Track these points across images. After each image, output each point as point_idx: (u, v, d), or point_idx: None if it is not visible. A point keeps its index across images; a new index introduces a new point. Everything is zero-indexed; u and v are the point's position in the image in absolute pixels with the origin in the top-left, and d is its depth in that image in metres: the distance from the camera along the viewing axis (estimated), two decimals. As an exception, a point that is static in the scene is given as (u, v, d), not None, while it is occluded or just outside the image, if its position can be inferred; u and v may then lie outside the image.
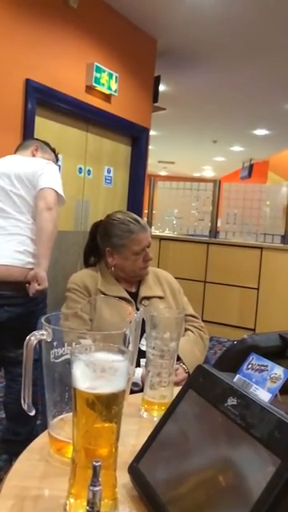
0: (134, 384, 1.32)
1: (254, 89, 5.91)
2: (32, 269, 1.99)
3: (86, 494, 0.55)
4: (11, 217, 2.02)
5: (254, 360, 0.84)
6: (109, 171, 4.50)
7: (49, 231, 1.99)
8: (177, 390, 0.84)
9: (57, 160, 2.43)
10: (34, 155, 2.26)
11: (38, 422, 1.81)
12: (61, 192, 2.08)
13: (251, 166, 10.53)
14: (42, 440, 0.84)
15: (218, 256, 4.91)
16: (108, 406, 0.62)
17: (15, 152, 2.32)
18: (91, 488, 0.52)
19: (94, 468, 0.52)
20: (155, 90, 4.82)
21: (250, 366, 0.84)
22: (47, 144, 2.37)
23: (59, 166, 2.46)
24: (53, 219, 2.00)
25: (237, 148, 10.19)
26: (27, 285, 1.98)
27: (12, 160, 2.17)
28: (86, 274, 1.69)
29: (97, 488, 0.52)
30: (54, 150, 2.39)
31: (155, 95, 4.83)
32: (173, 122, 7.73)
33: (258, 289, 4.70)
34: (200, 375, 0.75)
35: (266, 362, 0.82)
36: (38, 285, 1.96)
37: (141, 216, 1.81)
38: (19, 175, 2.05)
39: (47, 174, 2.06)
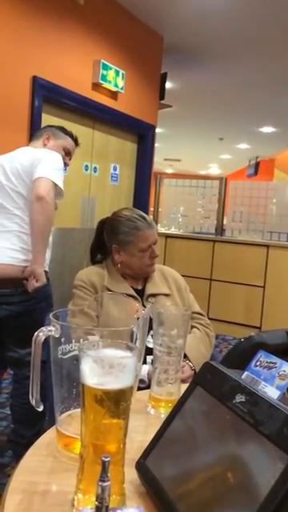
0: (141, 381, 1.32)
1: (261, 86, 5.88)
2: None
3: (94, 490, 0.56)
4: (9, 213, 1.95)
5: (263, 357, 0.84)
6: (115, 168, 4.50)
7: (40, 224, 1.87)
8: (183, 387, 0.84)
9: (76, 144, 2.28)
10: (45, 144, 2.15)
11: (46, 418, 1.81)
12: (59, 183, 1.92)
13: (257, 164, 10.48)
14: (49, 436, 0.85)
15: (224, 254, 4.90)
16: (116, 402, 0.62)
17: (29, 142, 2.21)
18: (100, 483, 0.52)
19: (103, 463, 0.53)
20: (162, 87, 4.81)
21: (258, 363, 0.84)
22: (62, 128, 2.24)
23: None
24: (44, 211, 1.85)
25: (243, 145, 10.15)
26: (25, 281, 1.92)
27: (16, 154, 2.07)
28: (93, 271, 1.69)
29: (106, 483, 0.52)
30: (70, 134, 2.24)
31: (162, 92, 4.82)
32: (179, 120, 7.71)
33: (264, 287, 4.68)
34: (208, 372, 0.74)
35: (274, 359, 0.82)
36: (36, 281, 1.90)
37: (147, 213, 1.80)
38: (17, 170, 1.96)
39: (44, 163, 1.92)
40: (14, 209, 1.95)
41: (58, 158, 2.01)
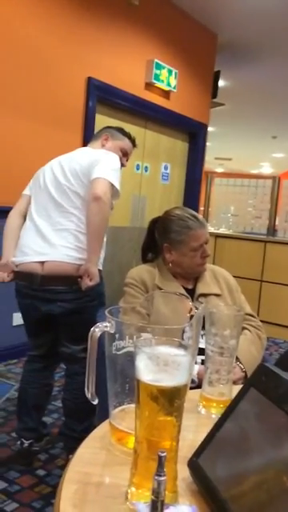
0: (191, 380, 1.32)
1: None
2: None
3: (148, 484, 0.56)
4: (67, 211, 1.99)
5: None
6: (166, 168, 4.51)
7: (95, 224, 1.90)
8: (235, 388, 0.83)
9: (134, 145, 2.30)
10: (103, 145, 2.18)
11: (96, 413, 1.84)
12: (116, 183, 1.94)
13: (312, 163, 10.16)
14: (102, 429, 0.86)
15: (276, 255, 4.79)
16: (171, 400, 0.63)
17: (83, 142, 2.25)
18: (156, 478, 0.53)
19: (160, 458, 0.53)
20: (214, 86, 4.78)
21: (314, 367, 0.82)
22: (121, 129, 2.27)
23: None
24: (101, 211, 1.88)
25: (297, 144, 9.88)
26: (79, 279, 1.95)
27: (75, 154, 2.11)
28: (144, 270, 1.70)
29: (162, 478, 0.53)
30: (128, 136, 2.27)
31: (214, 90, 4.79)
32: (231, 118, 7.62)
33: None
34: (262, 374, 0.73)
35: None
36: (90, 280, 1.92)
37: (197, 213, 1.79)
38: (75, 171, 2.00)
39: (102, 164, 1.95)
40: (71, 208, 1.99)
41: (115, 159, 2.03)
